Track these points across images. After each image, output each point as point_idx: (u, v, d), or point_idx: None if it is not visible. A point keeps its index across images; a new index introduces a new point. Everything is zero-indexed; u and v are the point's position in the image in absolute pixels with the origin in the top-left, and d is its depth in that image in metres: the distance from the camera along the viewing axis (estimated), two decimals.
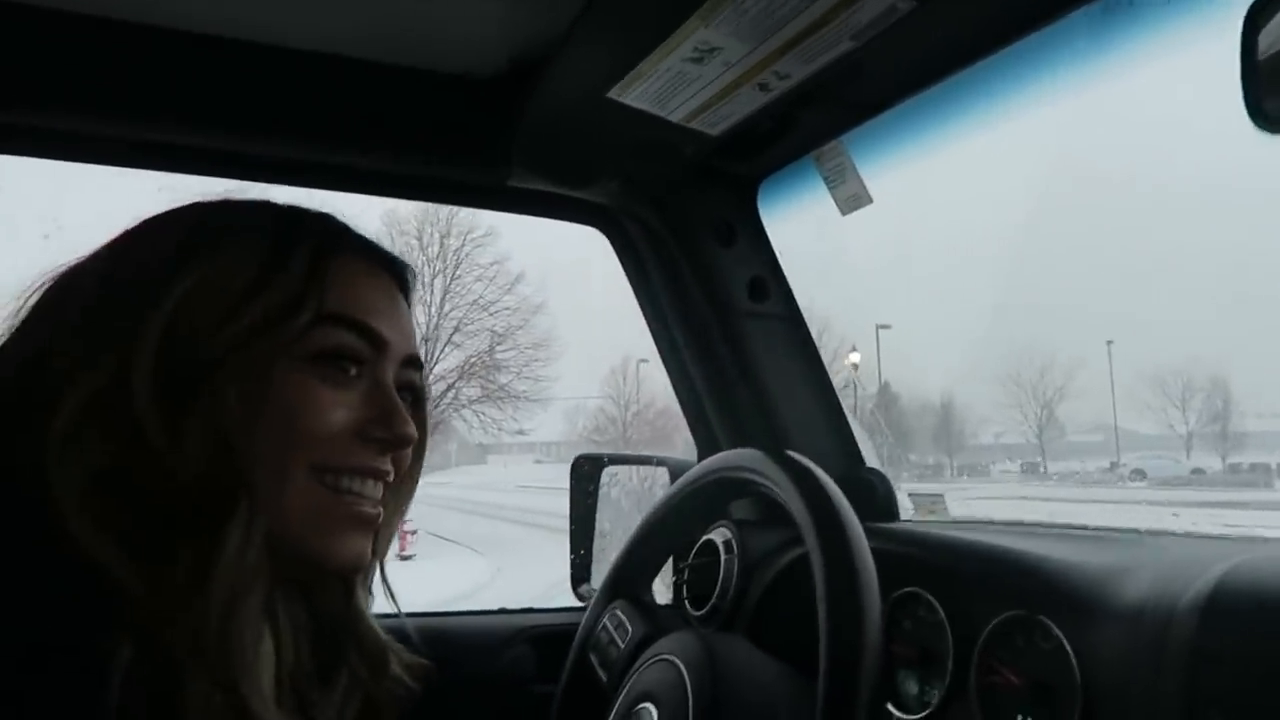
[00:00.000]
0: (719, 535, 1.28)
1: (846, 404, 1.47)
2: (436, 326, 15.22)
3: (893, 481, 1.37)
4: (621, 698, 1.02)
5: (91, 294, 0.66)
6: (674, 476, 1.45)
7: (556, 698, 1.18)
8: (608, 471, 1.61)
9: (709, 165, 1.29)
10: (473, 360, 15.50)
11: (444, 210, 14.91)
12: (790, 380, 1.41)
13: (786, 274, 1.42)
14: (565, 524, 1.57)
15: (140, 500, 0.59)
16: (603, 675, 1.14)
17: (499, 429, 16.10)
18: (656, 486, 1.55)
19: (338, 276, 0.70)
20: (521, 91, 1.12)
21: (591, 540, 1.56)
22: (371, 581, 0.80)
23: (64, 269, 0.68)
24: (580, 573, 1.54)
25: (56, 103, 1.07)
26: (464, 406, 15.52)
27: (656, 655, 1.01)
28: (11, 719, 0.49)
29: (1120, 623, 0.81)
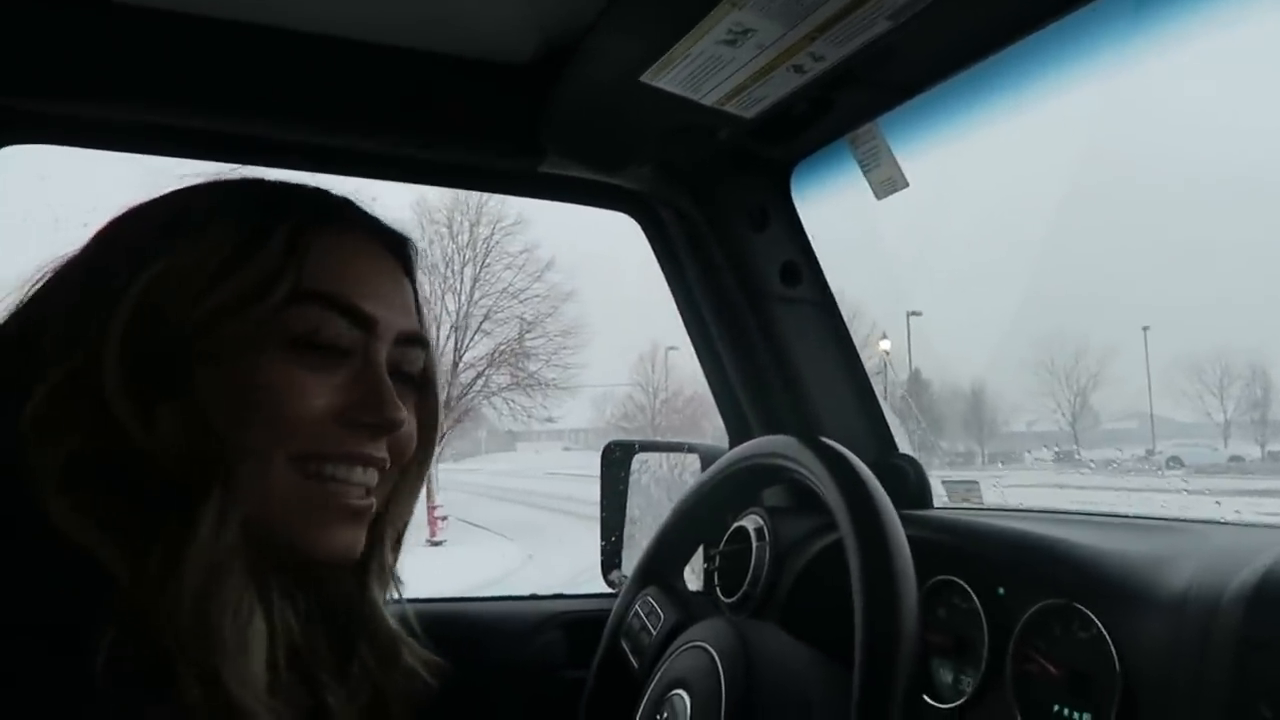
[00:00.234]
0: (750, 522, 1.27)
1: (878, 390, 1.45)
2: (466, 314, 15.32)
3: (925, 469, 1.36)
4: (653, 684, 1.02)
5: (76, 281, 0.66)
6: (705, 463, 1.45)
7: (588, 683, 1.19)
8: (638, 458, 1.61)
9: (742, 149, 1.27)
10: (502, 348, 15.58)
11: (474, 198, 14.96)
12: (823, 366, 1.40)
13: (819, 259, 1.41)
14: (594, 510, 1.58)
15: (120, 484, 0.59)
16: (634, 662, 1.14)
17: (528, 416, 16.17)
18: (687, 473, 1.55)
19: (320, 252, 0.67)
20: (553, 77, 1.11)
21: (622, 527, 1.57)
22: (392, 569, 0.78)
23: (62, 258, 0.68)
24: (611, 559, 1.55)
25: (112, 93, 1.08)
26: (493, 394, 15.63)
27: (689, 642, 1.01)
28: None
29: (1162, 612, 0.79)
